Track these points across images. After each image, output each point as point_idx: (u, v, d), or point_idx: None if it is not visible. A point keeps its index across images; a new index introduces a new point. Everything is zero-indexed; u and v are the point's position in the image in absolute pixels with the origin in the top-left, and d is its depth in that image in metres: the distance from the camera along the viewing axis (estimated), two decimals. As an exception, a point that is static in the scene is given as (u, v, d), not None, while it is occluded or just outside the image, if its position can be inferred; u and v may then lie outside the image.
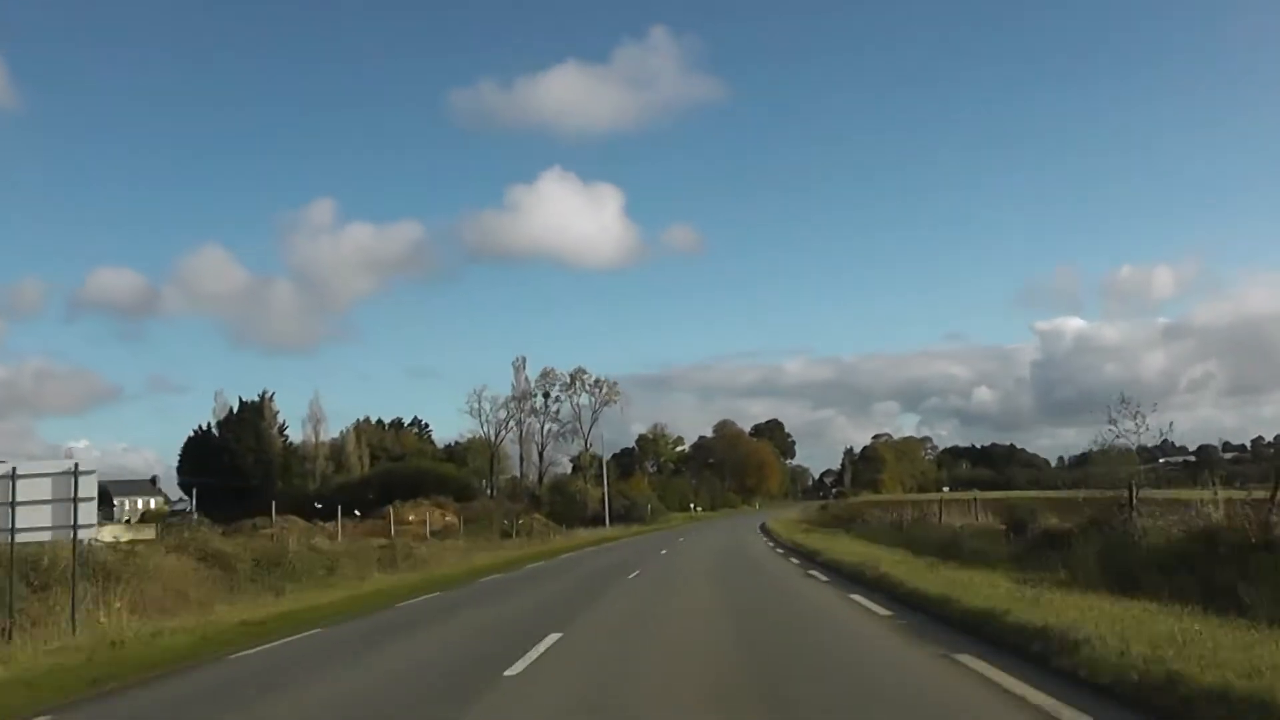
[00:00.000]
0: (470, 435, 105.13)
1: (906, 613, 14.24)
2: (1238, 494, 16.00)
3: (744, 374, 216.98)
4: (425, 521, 65.40)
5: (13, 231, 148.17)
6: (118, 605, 17.23)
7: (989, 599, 12.78)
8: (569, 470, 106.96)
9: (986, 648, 10.32)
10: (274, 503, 57.06)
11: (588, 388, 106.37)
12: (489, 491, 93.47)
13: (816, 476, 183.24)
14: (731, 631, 13.73)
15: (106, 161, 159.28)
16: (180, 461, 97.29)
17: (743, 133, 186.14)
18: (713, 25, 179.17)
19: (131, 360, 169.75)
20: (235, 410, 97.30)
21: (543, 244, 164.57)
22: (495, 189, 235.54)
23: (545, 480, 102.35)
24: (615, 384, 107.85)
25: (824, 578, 21.97)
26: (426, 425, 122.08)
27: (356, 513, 58.94)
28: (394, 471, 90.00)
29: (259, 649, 14.44)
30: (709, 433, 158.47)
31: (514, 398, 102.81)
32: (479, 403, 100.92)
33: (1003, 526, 22.94)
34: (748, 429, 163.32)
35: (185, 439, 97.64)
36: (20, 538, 15.93)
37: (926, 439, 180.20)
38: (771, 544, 42.88)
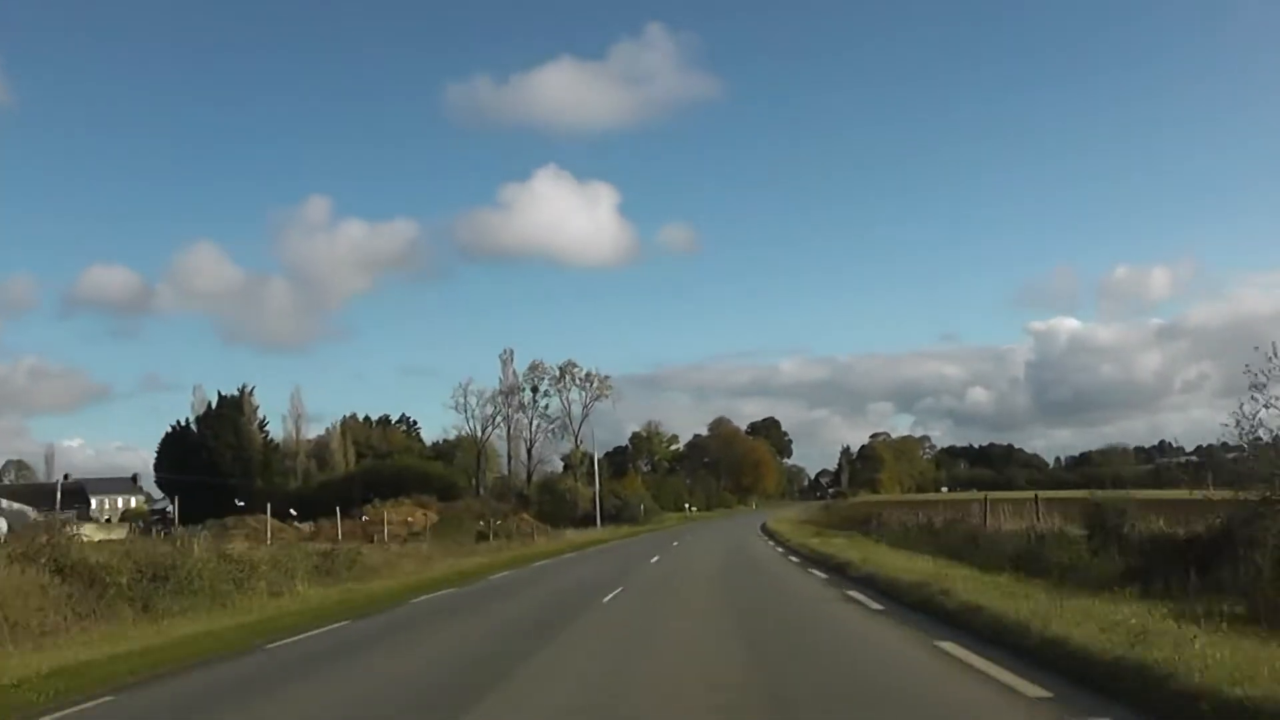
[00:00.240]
0: (457, 432, 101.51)
1: (1059, 683, 8.82)
2: None
3: (739, 374, 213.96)
4: (407, 521, 61.71)
5: (5, 227, 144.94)
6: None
7: (1223, 666, 7.74)
8: (561, 469, 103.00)
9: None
10: (244, 502, 53.19)
11: (578, 382, 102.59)
12: (477, 490, 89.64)
13: (812, 477, 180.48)
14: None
15: (100, 157, 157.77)
16: (158, 458, 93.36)
17: (739, 131, 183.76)
18: (709, 22, 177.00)
19: (125, 357, 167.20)
20: (214, 405, 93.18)
21: (537, 242, 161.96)
22: (489, 187, 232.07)
23: (534, 479, 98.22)
24: (606, 378, 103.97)
25: (875, 604, 16.37)
26: (415, 423, 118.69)
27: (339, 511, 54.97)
28: (377, 470, 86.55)
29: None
30: (704, 432, 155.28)
31: (501, 392, 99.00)
32: (464, 397, 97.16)
33: (1083, 532, 19.19)
34: (743, 428, 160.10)
35: (163, 435, 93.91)
36: None
37: (925, 439, 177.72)
38: (779, 549, 38.91)
